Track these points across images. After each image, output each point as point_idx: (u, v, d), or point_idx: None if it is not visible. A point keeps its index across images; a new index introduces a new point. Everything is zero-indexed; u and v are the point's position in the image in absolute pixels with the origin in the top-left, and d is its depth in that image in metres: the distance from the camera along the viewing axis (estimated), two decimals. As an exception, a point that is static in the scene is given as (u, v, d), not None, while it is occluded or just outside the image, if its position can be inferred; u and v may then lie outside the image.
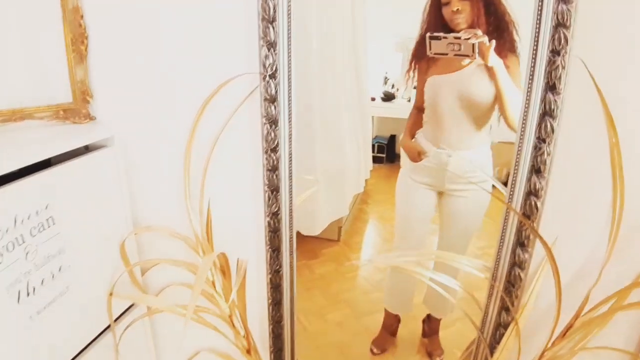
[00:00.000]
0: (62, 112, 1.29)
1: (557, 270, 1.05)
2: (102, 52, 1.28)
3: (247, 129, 1.25)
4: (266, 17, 1.07)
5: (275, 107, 1.15)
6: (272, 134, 1.17)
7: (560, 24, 0.94)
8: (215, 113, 1.23)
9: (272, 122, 1.16)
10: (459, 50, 1.12)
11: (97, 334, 1.32)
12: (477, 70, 1.25)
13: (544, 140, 1.03)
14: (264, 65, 1.12)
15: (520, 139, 1.06)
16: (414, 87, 1.48)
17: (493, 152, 1.53)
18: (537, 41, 0.97)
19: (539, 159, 1.05)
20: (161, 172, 1.37)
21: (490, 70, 1.18)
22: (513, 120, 1.20)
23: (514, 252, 1.15)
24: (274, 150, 1.19)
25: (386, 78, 1.77)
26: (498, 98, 1.22)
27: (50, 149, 1.12)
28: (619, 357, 1.19)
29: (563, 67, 0.97)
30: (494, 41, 1.12)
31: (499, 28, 1.18)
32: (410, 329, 1.78)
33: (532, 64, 0.99)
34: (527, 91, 1.01)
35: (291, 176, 1.22)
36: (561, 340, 1.11)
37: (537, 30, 0.97)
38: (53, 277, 1.14)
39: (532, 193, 1.08)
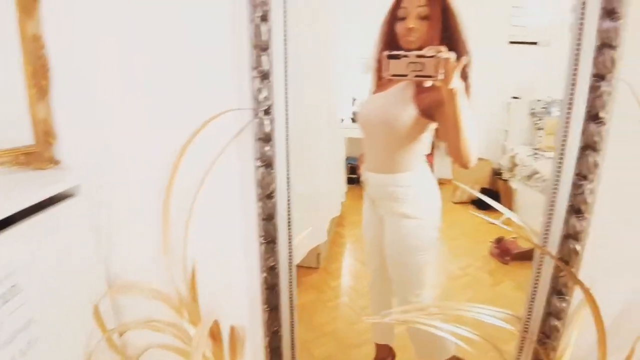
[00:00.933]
0: (22, 157, 1.12)
1: (600, 321, 0.88)
2: (66, 87, 1.10)
3: (236, 172, 1.05)
4: (259, 43, 0.86)
5: (270, 148, 0.94)
6: (268, 178, 0.96)
7: (606, 45, 0.77)
8: (198, 155, 1.03)
9: (267, 164, 0.96)
10: (421, 70, 0.90)
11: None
12: (399, 90, 1.12)
13: (585, 177, 0.85)
14: (257, 100, 0.91)
15: (557, 176, 0.87)
16: None
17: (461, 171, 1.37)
18: (577, 65, 0.80)
19: (578, 198, 0.87)
20: (137, 223, 1.16)
21: (449, 94, 0.97)
22: (466, 154, 1.02)
23: (549, 301, 0.96)
24: (270, 196, 0.98)
25: (354, 99, 1.66)
26: (452, 126, 1.01)
27: (9, 205, 0.94)
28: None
29: (609, 94, 0.79)
30: (464, 58, 0.92)
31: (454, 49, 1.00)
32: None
33: (571, 91, 0.82)
34: (565, 121, 0.83)
35: (290, 224, 1.01)
36: (607, 399, 0.93)
37: (577, 51, 0.79)
38: (22, 354, 0.96)
39: (570, 236, 0.90)
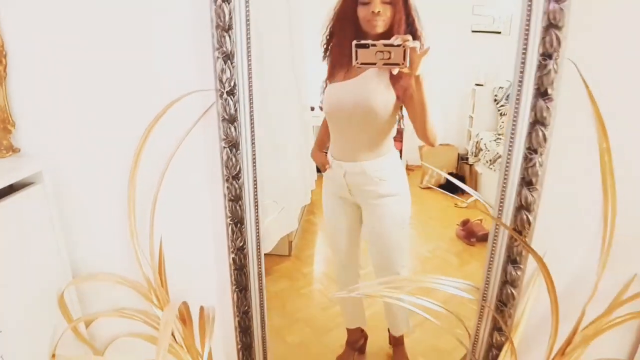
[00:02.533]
0: (-22, 145, 1.06)
1: (552, 286, 0.93)
2: (24, 72, 1.05)
3: (202, 154, 1.04)
4: (221, 24, 0.86)
5: (235, 128, 0.93)
6: (234, 159, 0.96)
7: (552, 25, 0.80)
8: (162, 138, 1.01)
9: (233, 145, 0.95)
10: (389, 58, 0.93)
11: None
12: (375, 76, 1.13)
13: (535, 151, 0.89)
14: (221, 80, 0.90)
15: (509, 150, 0.91)
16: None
17: (432, 154, 1.49)
18: (527, 44, 0.83)
19: (530, 170, 0.91)
20: (102, 209, 1.13)
21: (416, 80, 1.02)
22: (432, 133, 1.09)
23: (505, 270, 1.00)
24: (236, 177, 0.97)
25: (323, 87, 1.62)
26: (419, 110, 1.07)
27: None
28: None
29: (555, 72, 0.83)
30: (429, 47, 0.96)
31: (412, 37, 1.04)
32: (375, 343, 1.64)
33: (521, 69, 0.85)
34: (517, 99, 0.87)
35: (257, 205, 1.01)
36: (561, 358, 0.98)
37: (526, 32, 0.83)
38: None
39: (523, 207, 0.94)
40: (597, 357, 1.05)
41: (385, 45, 0.91)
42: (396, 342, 1.56)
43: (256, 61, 0.93)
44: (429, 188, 1.60)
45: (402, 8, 1.06)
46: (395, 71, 0.96)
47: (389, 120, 1.18)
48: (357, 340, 1.59)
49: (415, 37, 1.06)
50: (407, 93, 1.11)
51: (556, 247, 1.02)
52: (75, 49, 1.01)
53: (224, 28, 0.86)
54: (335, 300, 1.66)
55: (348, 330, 1.58)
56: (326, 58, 1.22)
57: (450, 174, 1.58)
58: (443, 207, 1.58)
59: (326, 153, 1.34)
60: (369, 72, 1.13)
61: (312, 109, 1.60)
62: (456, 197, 1.48)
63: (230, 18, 0.86)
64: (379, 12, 1.04)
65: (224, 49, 0.88)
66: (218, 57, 0.89)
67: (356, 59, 0.93)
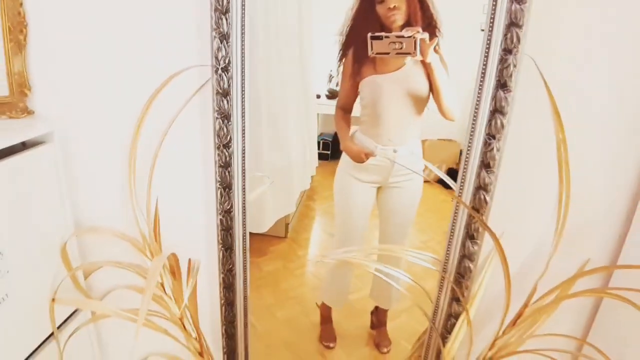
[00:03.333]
0: (-4, 107, 1.14)
1: (505, 262, 1.02)
2: (42, 42, 1.15)
3: (197, 124, 1.14)
4: (219, 7, 0.96)
5: (227, 101, 1.04)
6: (225, 129, 1.07)
7: (513, 24, 0.90)
8: (163, 107, 1.11)
9: (225, 116, 1.06)
10: (401, 48, 1.06)
11: (39, 343, 1.18)
12: (414, 66, 1.22)
13: (493, 137, 0.99)
14: (216, 58, 1.01)
15: (471, 135, 1.01)
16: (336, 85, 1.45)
17: (434, 148, 1.56)
18: (490, 40, 0.93)
19: (488, 154, 1.01)
20: (105, 169, 1.24)
21: (428, 67, 1.16)
22: (450, 111, 1.23)
23: (463, 244, 1.10)
24: (227, 146, 1.08)
25: (331, 76, 1.68)
26: (435, 91, 1.21)
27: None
28: (565, 342, 1.17)
29: (514, 66, 0.93)
30: (436, 38, 1.09)
31: (429, 26, 1.15)
32: (358, 323, 1.73)
33: (484, 62, 0.95)
34: (479, 89, 0.97)
35: (244, 173, 1.11)
36: (511, 329, 1.08)
37: (490, 29, 0.92)
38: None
39: (481, 187, 1.04)
40: (553, 332, 1.12)
41: (397, 36, 1.04)
42: (379, 324, 1.66)
43: (258, 46, 1.03)
44: (428, 182, 1.67)
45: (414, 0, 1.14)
46: (407, 59, 1.08)
47: (425, 103, 1.30)
48: (329, 314, 1.69)
49: (432, 22, 1.16)
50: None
51: (513, 227, 1.11)
52: (89, 25, 1.12)
53: (222, 11, 0.96)
54: (324, 280, 1.75)
55: (322, 306, 1.68)
56: (343, 57, 1.32)
57: (451, 168, 1.62)
58: (440, 200, 1.59)
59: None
60: (409, 65, 1.23)
61: (318, 96, 1.66)
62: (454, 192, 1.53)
63: (228, 2, 0.96)
64: (394, 6, 1.13)
65: (221, 29, 0.98)
66: (215, 37, 0.99)
67: (371, 49, 1.06)
